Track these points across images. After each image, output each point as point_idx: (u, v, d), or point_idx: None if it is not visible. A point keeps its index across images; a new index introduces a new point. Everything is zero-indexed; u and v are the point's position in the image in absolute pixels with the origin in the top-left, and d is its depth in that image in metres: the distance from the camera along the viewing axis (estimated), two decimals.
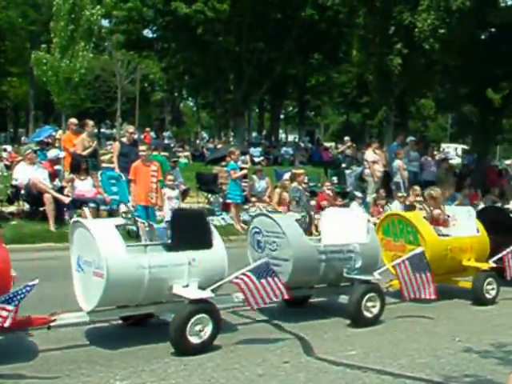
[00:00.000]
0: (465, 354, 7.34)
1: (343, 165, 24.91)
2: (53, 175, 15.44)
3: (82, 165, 15.22)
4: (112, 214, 15.08)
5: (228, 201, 17.83)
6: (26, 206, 15.30)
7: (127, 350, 7.02)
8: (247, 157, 26.39)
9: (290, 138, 72.67)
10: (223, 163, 21.13)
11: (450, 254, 10.19)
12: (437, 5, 22.82)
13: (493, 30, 26.42)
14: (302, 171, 19.24)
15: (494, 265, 10.34)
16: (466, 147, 50.85)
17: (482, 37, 26.92)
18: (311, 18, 40.43)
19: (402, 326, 8.42)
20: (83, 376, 6.26)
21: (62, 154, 16.42)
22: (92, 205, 14.41)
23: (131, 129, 18.12)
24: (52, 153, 16.50)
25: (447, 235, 10.69)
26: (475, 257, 10.49)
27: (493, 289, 9.97)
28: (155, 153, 19.89)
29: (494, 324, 8.74)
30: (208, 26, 37.67)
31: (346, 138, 30.26)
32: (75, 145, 16.48)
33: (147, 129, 43.66)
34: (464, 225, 10.88)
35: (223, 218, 18.12)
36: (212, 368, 6.56)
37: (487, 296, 9.92)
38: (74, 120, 17.90)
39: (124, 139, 17.01)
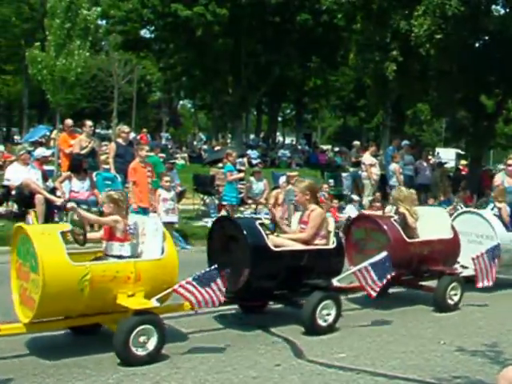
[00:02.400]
0: (452, 355, 7.46)
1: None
2: (44, 176, 15.32)
3: (83, 164, 15.15)
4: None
5: (223, 202, 17.86)
6: (15, 207, 15.07)
7: (114, 355, 6.95)
8: (245, 159, 26.42)
9: (288, 140, 72.76)
10: (220, 164, 21.15)
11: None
12: (433, 10, 22.91)
13: (486, 37, 26.52)
14: (295, 173, 19.31)
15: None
16: (460, 151, 51.05)
17: (477, 44, 27.04)
18: (306, 22, 40.49)
19: (388, 330, 8.49)
20: (75, 380, 6.28)
21: (48, 153, 16.25)
22: (83, 206, 14.41)
23: (127, 129, 18.01)
24: (38, 151, 16.40)
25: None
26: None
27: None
28: (152, 154, 19.96)
29: (476, 327, 8.84)
30: (207, 28, 37.70)
31: (356, 143, 30.22)
32: (71, 146, 16.47)
33: (144, 130, 43.72)
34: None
35: None
36: (205, 371, 6.61)
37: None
38: (69, 121, 17.85)
39: (120, 140, 16.91)
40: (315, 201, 9.09)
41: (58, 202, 14.23)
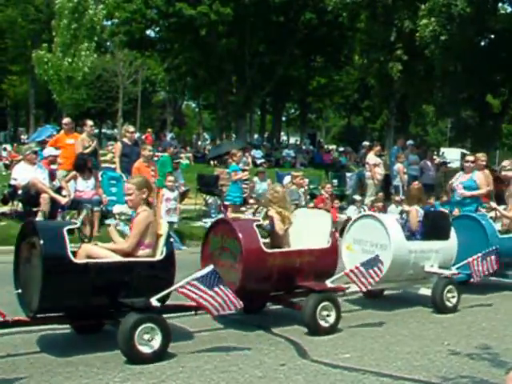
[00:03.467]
0: (457, 356, 7.43)
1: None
2: (51, 175, 15.34)
3: (88, 163, 15.15)
4: (105, 214, 15.00)
5: (226, 202, 17.85)
6: (20, 207, 15.09)
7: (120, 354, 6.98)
8: (249, 158, 26.45)
9: (292, 140, 72.82)
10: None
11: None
12: (438, 10, 22.92)
13: (492, 36, 26.53)
14: (299, 173, 19.33)
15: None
16: (465, 151, 50.96)
17: (482, 43, 27.05)
18: (310, 22, 40.50)
19: (390, 331, 8.47)
20: (82, 378, 6.28)
21: (57, 152, 16.28)
22: (87, 205, 14.42)
23: (131, 128, 18.00)
24: (47, 151, 16.42)
25: None
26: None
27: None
28: (165, 154, 19.98)
29: (479, 328, 8.81)
30: (211, 28, 37.74)
31: (366, 143, 30.21)
32: (68, 145, 16.40)
33: (149, 129, 43.75)
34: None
35: None
36: (210, 370, 6.60)
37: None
38: (67, 120, 17.76)
39: (125, 139, 16.92)
40: (146, 202, 7.73)
41: (63, 201, 14.24)
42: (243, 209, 17.80)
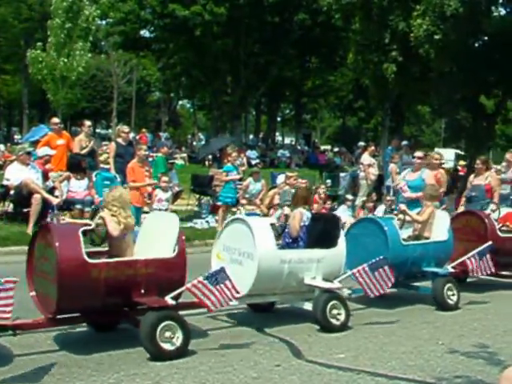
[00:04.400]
0: (451, 356, 7.45)
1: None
2: (45, 175, 15.29)
3: (82, 164, 15.14)
4: (96, 214, 14.96)
5: (218, 203, 17.83)
6: (11, 207, 15.03)
7: (115, 354, 7.01)
8: (244, 159, 26.43)
9: (287, 140, 72.86)
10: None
11: None
12: (432, 10, 22.96)
13: (486, 37, 26.59)
14: (293, 174, 19.33)
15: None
16: (459, 152, 51.08)
17: (476, 44, 27.11)
18: (303, 22, 40.56)
19: (385, 331, 8.49)
20: (76, 380, 6.27)
21: (52, 152, 16.23)
22: (78, 206, 14.41)
23: (126, 129, 17.97)
24: (41, 151, 16.38)
25: None
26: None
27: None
28: (159, 154, 19.95)
29: (470, 328, 8.85)
30: (206, 28, 37.75)
31: (362, 144, 30.20)
32: (58, 146, 16.36)
33: (143, 129, 43.73)
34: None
35: (207, 221, 18.08)
36: (205, 371, 6.60)
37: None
38: (55, 120, 17.70)
39: (120, 140, 16.89)
40: None
41: (55, 201, 14.19)
42: (234, 209, 17.81)
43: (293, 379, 6.49)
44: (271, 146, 49.44)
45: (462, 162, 33.73)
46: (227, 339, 7.79)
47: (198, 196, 20.42)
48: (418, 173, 12.95)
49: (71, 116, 52.02)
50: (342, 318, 8.41)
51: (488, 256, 10.18)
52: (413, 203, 12.31)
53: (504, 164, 15.54)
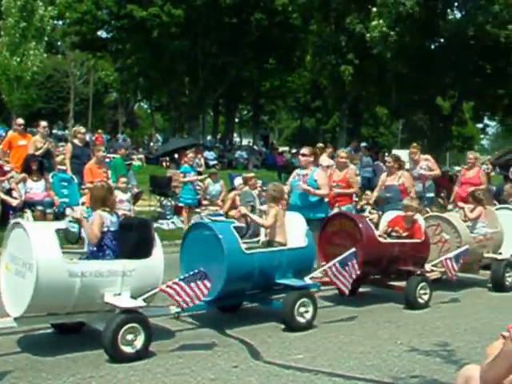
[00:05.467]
0: (409, 355, 7.48)
1: None
2: (2, 176, 15.09)
3: (32, 165, 14.94)
4: (59, 217, 14.86)
5: (180, 204, 17.78)
6: None
7: (71, 357, 6.91)
8: (201, 160, 26.36)
9: (245, 141, 72.88)
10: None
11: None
12: (387, 11, 23.17)
13: (442, 40, 26.91)
14: (252, 175, 19.33)
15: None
16: None
17: (432, 46, 27.42)
18: (260, 22, 40.63)
19: (344, 331, 8.52)
20: (30, 383, 6.18)
21: None
22: (39, 208, 14.24)
23: (82, 129, 17.79)
24: None
25: None
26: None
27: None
28: (117, 155, 19.78)
29: (432, 327, 8.89)
30: (163, 29, 37.62)
31: (320, 145, 30.23)
32: (20, 146, 16.17)
33: (99, 130, 43.40)
34: None
35: (173, 222, 18.07)
36: (162, 373, 6.55)
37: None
38: (20, 120, 17.53)
39: (76, 141, 16.71)
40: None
41: (14, 203, 14.03)
42: (198, 210, 17.74)
43: (250, 380, 6.47)
44: (229, 147, 49.45)
45: None
46: (187, 340, 7.73)
47: (158, 197, 20.32)
48: (308, 172, 11.24)
49: (27, 117, 51.31)
50: (139, 344, 7.02)
51: (352, 264, 8.79)
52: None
53: (411, 160, 15.40)
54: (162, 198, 20.15)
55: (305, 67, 45.97)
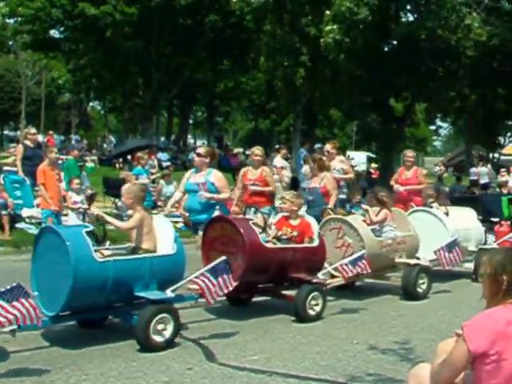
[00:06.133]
0: (364, 355, 7.51)
1: None
2: None
3: None
4: (15, 218, 14.72)
5: None
6: None
7: (21, 361, 6.79)
8: (155, 161, 26.20)
9: (199, 143, 72.67)
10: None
11: None
12: (341, 17, 23.28)
13: (395, 42, 27.16)
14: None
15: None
16: (371, 155, 52.10)
17: (386, 49, 27.65)
18: (214, 24, 40.60)
19: (301, 331, 8.50)
20: None
21: None
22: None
23: (33, 130, 17.55)
24: None
25: None
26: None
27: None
28: (69, 157, 19.57)
29: (389, 325, 8.94)
30: (117, 29, 37.32)
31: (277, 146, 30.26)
32: None
33: (50, 132, 42.92)
34: None
35: None
36: (115, 377, 6.46)
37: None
38: None
39: (27, 142, 16.50)
40: None
41: None
42: (154, 211, 17.62)
43: (204, 382, 6.42)
44: (183, 149, 49.32)
45: (373, 165, 34.41)
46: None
47: (113, 199, 20.17)
48: (203, 173, 10.16)
49: None
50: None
51: (226, 273, 7.98)
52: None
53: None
54: (117, 200, 20.00)
55: (259, 69, 46.03)
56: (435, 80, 25.99)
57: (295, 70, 27.41)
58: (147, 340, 7.26)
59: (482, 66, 27.59)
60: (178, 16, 41.05)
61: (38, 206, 14.58)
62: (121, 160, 32.39)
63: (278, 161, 21.91)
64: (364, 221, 11.14)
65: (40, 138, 26.38)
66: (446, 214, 12.58)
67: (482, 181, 28.31)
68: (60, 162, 18.81)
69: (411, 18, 28.61)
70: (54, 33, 46.39)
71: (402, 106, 34.43)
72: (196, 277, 7.81)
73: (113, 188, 20.31)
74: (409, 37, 24.70)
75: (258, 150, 12.56)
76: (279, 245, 9.45)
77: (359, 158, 45.70)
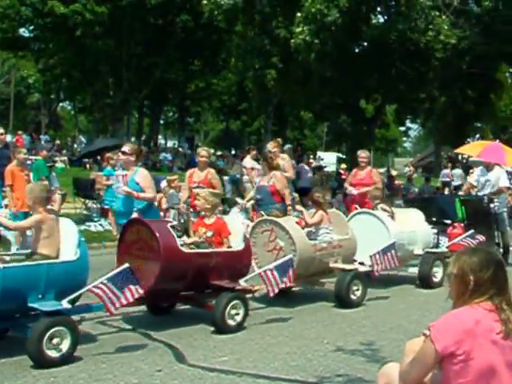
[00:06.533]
0: (334, 355, 7.52)
1: None
2: None
3: None
4: None
5: (105, 206, 17.58)
6: None
7: None
8: None
9: (170, 143, 72.49)
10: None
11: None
12: (312, 19, 23.35)
13: (365, 44, 27.30)
14: (175, 177, 19.23)
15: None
16: (340, 155, 52.33)
17: (356, 50, 27.78)
18: (186, 24, 40.53)
19: (271, 332, 8.50)
20: None
21: None
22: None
23: (1, 130, 17.31)
24: None
25: None
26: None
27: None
28: (39, 157, 19.35)
29: (359, 325, 8.96)
30: (87, 28, 37.09)
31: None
32: None
33: (19, 132, 42.56)
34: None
35: (101, 224, 17.90)
36: (84, 379, 6.41)
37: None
38: None
39: None
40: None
41: None
42: None
43: None
44: (154, 149, 49.11)
45: (343, 166, 34.52)
46: (109, 345, 7.59)
47: (83, 200, 20.07)
48: (130, 173, 9.66)
49: None
50: None
51: (127, 283, 7.33)
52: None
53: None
54: (87, 201, 19.91)
55: (230, 69, 46.03)
56: (405, 81, 26.17)
57: (266, 72, 27.45)
58: (41, 355, 6.61)
59: (451, 68, 27.85)
60: (149, 15, 40.89)
61: (6, 206, 14.41)
62: (91, 160, 32.20)
63: (248, 161, 21.96)
64: (298, 223, 10.45)
65: (9, 138, 26.14)
66: (391, 215, 12.09)
67: (456, 183, 28.59)
68: (29, 162, 18.63)
69: (382, 20, 28.80)
70: (24, 31, 46.03)
71: (372, 107, 34.62)
72: (95, 286, 7.12)
73: (83, 189, 20.22)
74: (379, 39, 24.83)
75: (203, 151, 12.32)
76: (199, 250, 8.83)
77: (329, 159, 45.88)
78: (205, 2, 28.28)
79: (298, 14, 24.54)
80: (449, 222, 13.61)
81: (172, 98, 59.50)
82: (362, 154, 14.40)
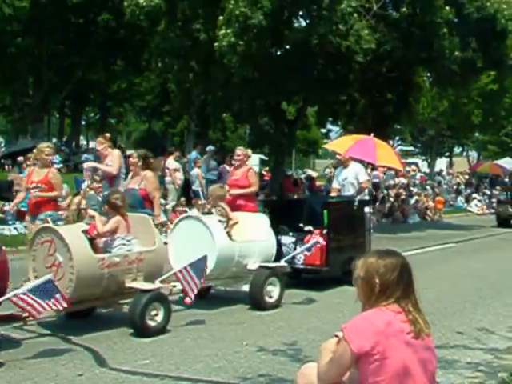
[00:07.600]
0: (255, 356, 7.61)
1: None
2: None
3: None
4: None
5: (22, 209, 17.22)
6: None
7: None
8: None
9: (92, 144, 71.40)
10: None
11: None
12: (235, 21, 23.39)
13: (288, 47, 27.49)
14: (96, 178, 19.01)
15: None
16: (263, 157, 52.62)
17: (279, 53, 27.95)
18: (107, 23, 40.05)
19: (190, 334, 8.54)
20: None
21: None
22: None
23: None
24: None
25: None
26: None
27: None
28: None
29: (276, 327, 9.09)
30: (5, 25, 36.22)
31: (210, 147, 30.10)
32: None
33: None
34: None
35: (15, 228, 17.50)
36: None
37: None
38: None
39: None
40: None
41: None
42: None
43: None
44: (75, 150, 48.35)
45: (266, 167, 34.75)
46: (27, 350, 7.48)
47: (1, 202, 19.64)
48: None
49: None
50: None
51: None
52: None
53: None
54: (4, 203, 19.48)
55: (152, 70, 45.70)
56: (326, 84, 26.46)
57: (187, 74, 27.37)
58: None
59: (371, 72, 28.35)
60: (70, 14, 40.23)
61: None
62: (10, 162, 31.52)
63: (171, 163, 21.96)
64: (86, 231, 8.65)
65: None
66: (226, 221, 10.27)
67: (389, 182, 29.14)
68: None
69: (304, 24, 29.07)
70: None
71: (294, 109, 34.90)
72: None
73: (0, 190, 19.79)
74: (301, 42, 25.05)
75: (47, 148, 11.03)
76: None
77: (252, 161, 46.11)
78: (126, 3, 27.97)
79: (221, 18, 24.55)
80: (309, 228, 11.79)
81: (93, 99, 58.68)
82: (237, 152, 12.97)
